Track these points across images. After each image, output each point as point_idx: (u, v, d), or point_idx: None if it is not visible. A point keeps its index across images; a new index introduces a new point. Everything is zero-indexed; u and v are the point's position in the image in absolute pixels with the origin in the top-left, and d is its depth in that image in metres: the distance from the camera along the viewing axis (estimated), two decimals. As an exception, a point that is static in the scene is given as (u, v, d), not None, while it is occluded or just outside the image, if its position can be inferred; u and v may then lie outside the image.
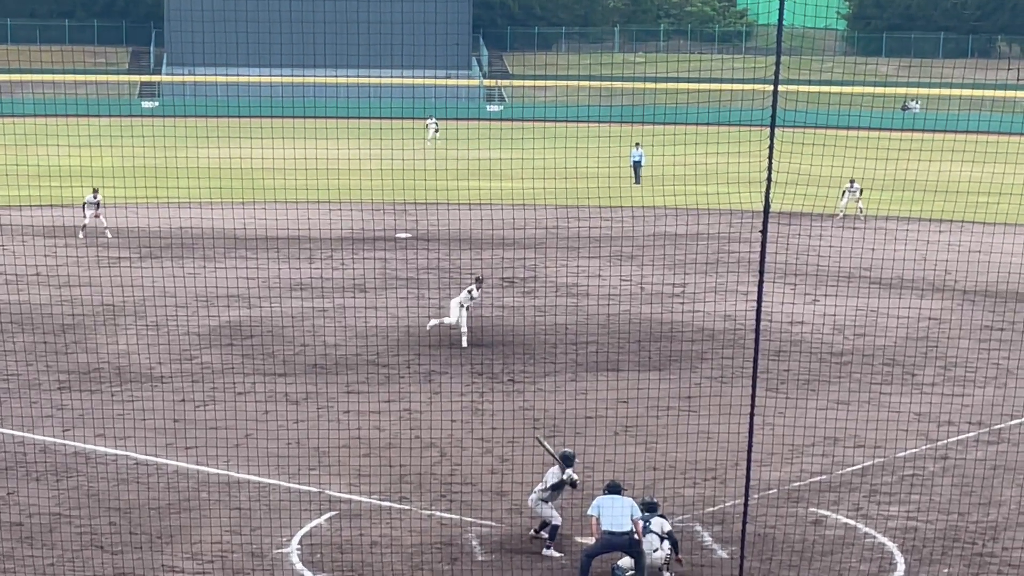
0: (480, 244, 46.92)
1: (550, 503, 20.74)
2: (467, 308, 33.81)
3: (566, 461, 20.84)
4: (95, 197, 50.92)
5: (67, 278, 38.95)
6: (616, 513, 19.34)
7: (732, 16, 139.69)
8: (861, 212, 57.30)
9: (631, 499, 19.74)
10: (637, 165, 69.11)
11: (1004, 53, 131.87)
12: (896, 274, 42.46)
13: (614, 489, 19.83)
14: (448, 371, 30.99)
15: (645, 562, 19.47)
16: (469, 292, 33.94)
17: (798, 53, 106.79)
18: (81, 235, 50.43)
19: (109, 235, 50.33)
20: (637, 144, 68.73)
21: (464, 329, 33.66)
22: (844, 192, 57.93)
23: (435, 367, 31.32)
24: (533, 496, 20.90)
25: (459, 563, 20.22)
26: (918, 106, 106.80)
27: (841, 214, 57.09)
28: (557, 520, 20.66)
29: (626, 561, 19.57)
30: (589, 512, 19.59)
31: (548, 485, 20.70)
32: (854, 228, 52.56)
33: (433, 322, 34.35)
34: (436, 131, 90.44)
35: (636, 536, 19.35)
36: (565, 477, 20.66)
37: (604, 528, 19.30)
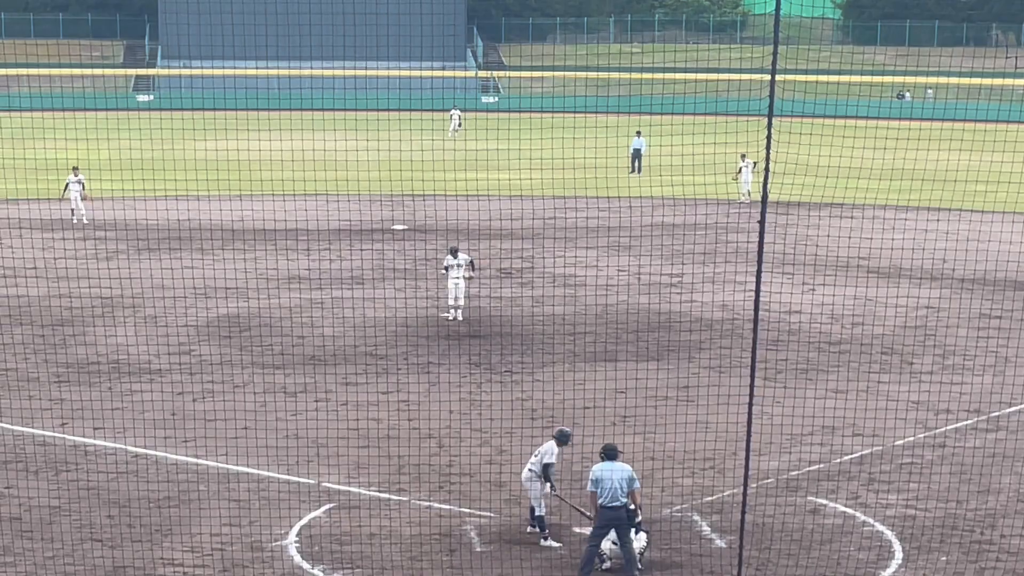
0: (477, 235, 46.87)
1: (539, 483, 20.53)
2: (462, 279, 34.58)
3: (562, 439, 20.73)
4: (77, 176, 51.34)
5: (64, 272, 38.92)
6: (613, 485, 18.92)
7: (727, 5, 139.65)
8: (749, 195, 56.45)
9: (629, 468, 19.31)
10: (638, 154, 68.62)
11: (999, 41, 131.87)
12: (893, 263, 42.45)
13: (611, 455, 19.26)
14: (445, 362, 30.98)
15: (631, 542, 19.12)
16: (453, 264, 34.44)
17: (794, 43, 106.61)
18: (75, 219, 50.84)
19: (85, 221, 50.82)
20: (638, 132, 68.29)
21: (453, 303, 34.49)
22: (740, 169, 56.66)
23: (432, 358, 31.31)
24: (526, 472, 20.61)
25: (457, 554, 20.20)
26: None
27: (746, 198, 56.32)
28: (540, 510, 20.56)
29: (608, 546, 19.31)
30: (588, 488, 19.26)
31: (543, 462, 20.46)
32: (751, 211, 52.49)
33: (444, 315, 35.14)
34: (460, 123, 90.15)
35: (632, 508, 19.00)
36: (553, 480, 20.53)
37: (600, 502, 18.95)
